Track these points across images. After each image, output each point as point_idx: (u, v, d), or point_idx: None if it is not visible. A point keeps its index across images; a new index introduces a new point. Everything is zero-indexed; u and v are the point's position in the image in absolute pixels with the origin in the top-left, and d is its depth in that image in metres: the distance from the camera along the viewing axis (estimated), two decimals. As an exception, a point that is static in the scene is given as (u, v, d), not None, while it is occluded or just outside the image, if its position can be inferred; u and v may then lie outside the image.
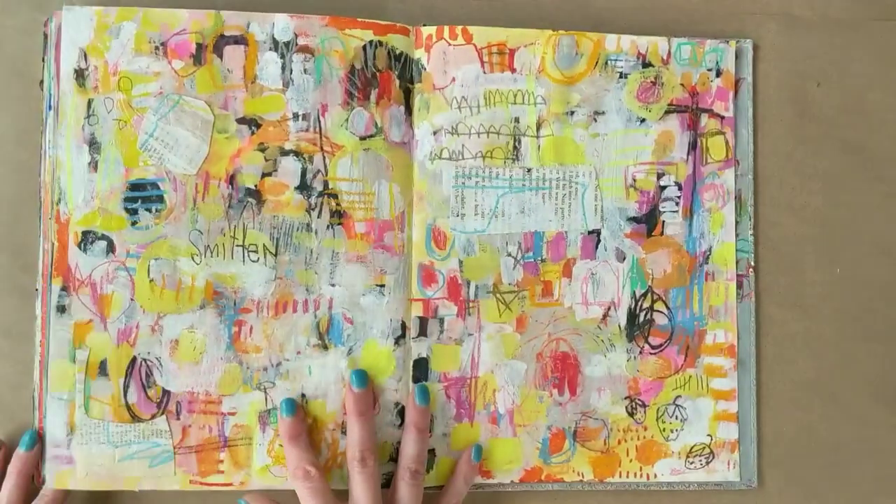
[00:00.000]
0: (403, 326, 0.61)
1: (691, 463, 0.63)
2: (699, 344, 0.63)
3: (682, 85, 0.63)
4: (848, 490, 0.65)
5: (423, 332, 0.61)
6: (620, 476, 0.62)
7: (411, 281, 0.61)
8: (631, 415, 0.63)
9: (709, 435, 0.63)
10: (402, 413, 0.60)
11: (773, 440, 0.64)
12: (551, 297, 0.62)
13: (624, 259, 0.63)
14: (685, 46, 0.63)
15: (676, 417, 0.63)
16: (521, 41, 0.62)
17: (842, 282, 0.66)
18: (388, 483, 0.60)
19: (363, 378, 0.59)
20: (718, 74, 0.64)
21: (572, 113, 0.62)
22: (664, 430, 0.63)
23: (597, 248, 0.63)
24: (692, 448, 0.63)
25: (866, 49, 0.67)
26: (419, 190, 0.61)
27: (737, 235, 0.64)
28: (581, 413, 0.62)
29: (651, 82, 0.63)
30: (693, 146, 0.63)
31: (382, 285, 0.60)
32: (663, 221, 0.63)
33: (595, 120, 0.63)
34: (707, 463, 0.63)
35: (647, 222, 0.63)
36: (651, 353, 0.63)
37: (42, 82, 0.59)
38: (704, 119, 0.64)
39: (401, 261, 0.61)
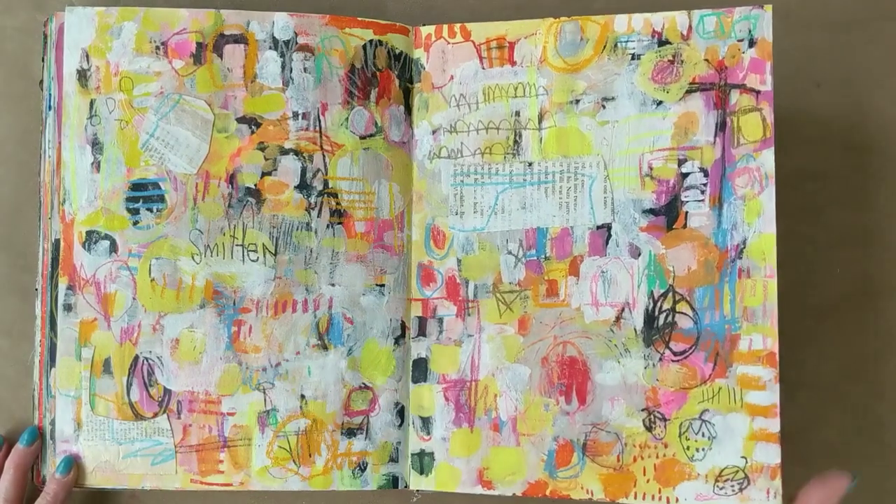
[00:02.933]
0: (403, 326, 0.60)
1: (721, 488, 0.57)
2: (731, 350, 0.57)
3: (706, 60, 0.58)
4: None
5: (422, 332, 0.60)
6: (636, 497, 0.57)
7: (411, 280, 0.61)
8: (649, 429, 0.58)
9: (743, 457, 0.56)
10: (401, 413, 0.60)
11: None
12: (557, 298, 0.59)
13: (639, 255, 0.58)
14: (709, 18, 0.58)
15: (703, 435, 0.57)
16: (520, 33, 0.60)
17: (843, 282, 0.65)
18: (388, 483, 0.59)
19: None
20: (752, 45, 0.58)
21: (577, 101, 0.59)
22: (689, 448, 0.57)
23: (607, 243, 0.59)
24: (722, 471, 0.57)
25: (866, 49, 0.66)
26: (418, 189, 0.61)
27: None
28: (591, 424, 0.58)
29: (668, 61, 0.58)
30: (721, 127, 0.58)
31: (382, 285, 0.60)
32: (686, 212, 0.58)
33: (604, 107, 0.59)
34: (741, 489, 0.56)
35: (667, 214, 0.58)
36: (673, 361, 0.58)
37: (42, 82, 0.60)
38: (735, 96, 0.58)
39: (400, 260, 0.61)
